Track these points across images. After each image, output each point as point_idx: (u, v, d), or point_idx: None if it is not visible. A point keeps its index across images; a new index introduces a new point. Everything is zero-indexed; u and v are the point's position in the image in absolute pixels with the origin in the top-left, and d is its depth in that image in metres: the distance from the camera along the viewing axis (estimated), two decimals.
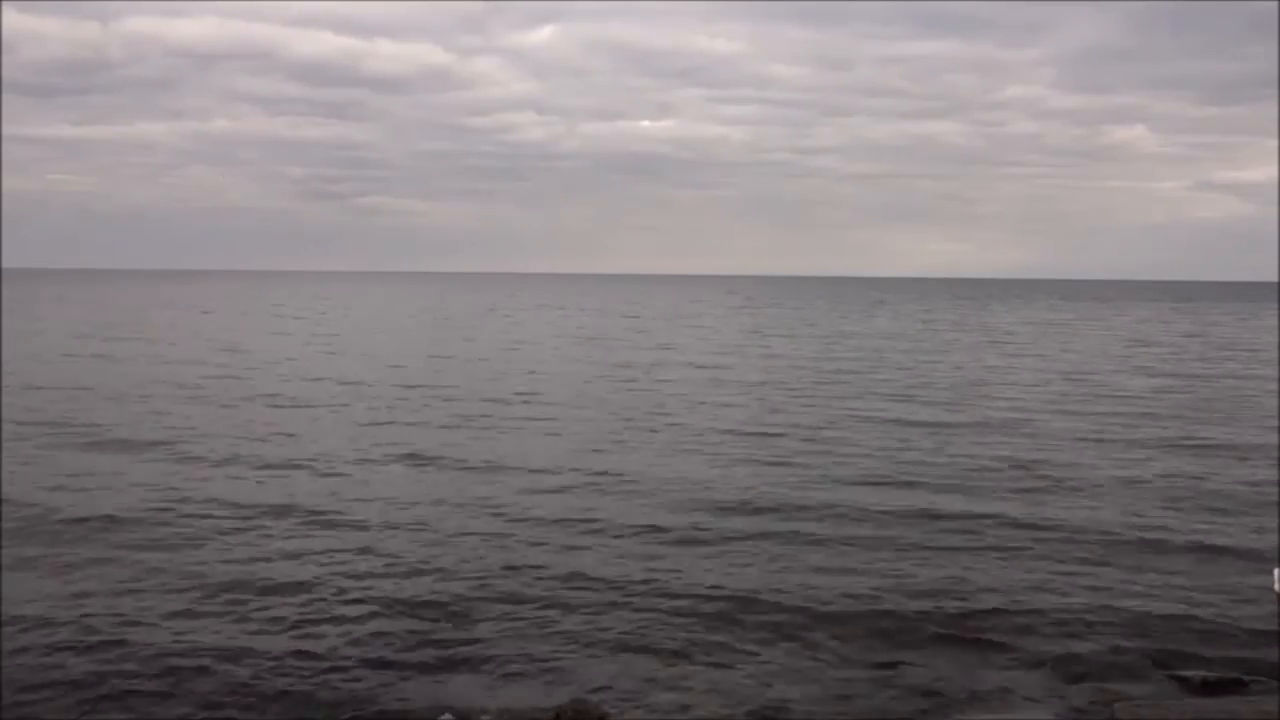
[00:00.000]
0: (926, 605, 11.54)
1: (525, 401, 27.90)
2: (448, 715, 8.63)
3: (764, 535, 14.24)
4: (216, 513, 15.19)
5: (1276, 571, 12.12)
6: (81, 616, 10.91)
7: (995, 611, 11.37)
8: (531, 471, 18.46)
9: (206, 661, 9.86)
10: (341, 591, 11.88)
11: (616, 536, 14.16)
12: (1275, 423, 24.55)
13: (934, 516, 15.30)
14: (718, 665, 9.90)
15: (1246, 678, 9.65)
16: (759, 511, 15.57)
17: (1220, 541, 14.05)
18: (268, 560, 12.99)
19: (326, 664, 9.86)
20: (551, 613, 11.24)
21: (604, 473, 18.31)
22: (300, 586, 12.01)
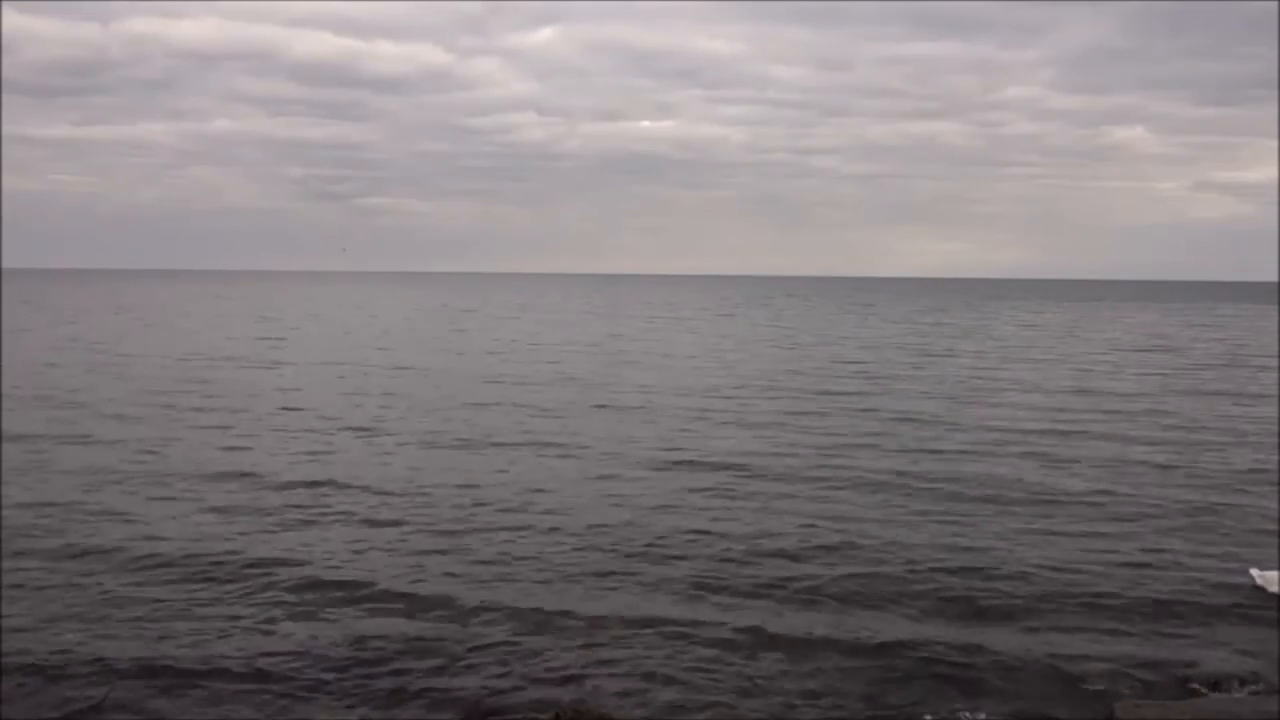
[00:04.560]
0: (925, 606, 11.56)
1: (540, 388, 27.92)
2: None
3: (763, 539, 14.30)
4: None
5: (1255, 571, 12.19)
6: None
7: (994, 613, 11.39)
8: (522, 474, 18.51)
9: (205, 660, 9.88)
10: (340, 593, 11.89)
11: (611, 538, 14.21)
12: (1275, 422, 24.59)
13: (931, 516, 15.37)
14: (720, 666, 9.91)
15: (1246, 678, 9.67)
16: (758, 516, 15.63)
17: (1220, 542, 14.07)
18: (251, 557, 13.02)
19: (326, 665, 9.87)
20: (551, 614, 11.24)
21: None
22: (297, 588, 12.03)
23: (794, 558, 13.27)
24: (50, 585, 11.93)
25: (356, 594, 11.80)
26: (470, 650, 10.23)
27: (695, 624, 10.93)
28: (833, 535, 14.29)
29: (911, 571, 12.70)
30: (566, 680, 9.56)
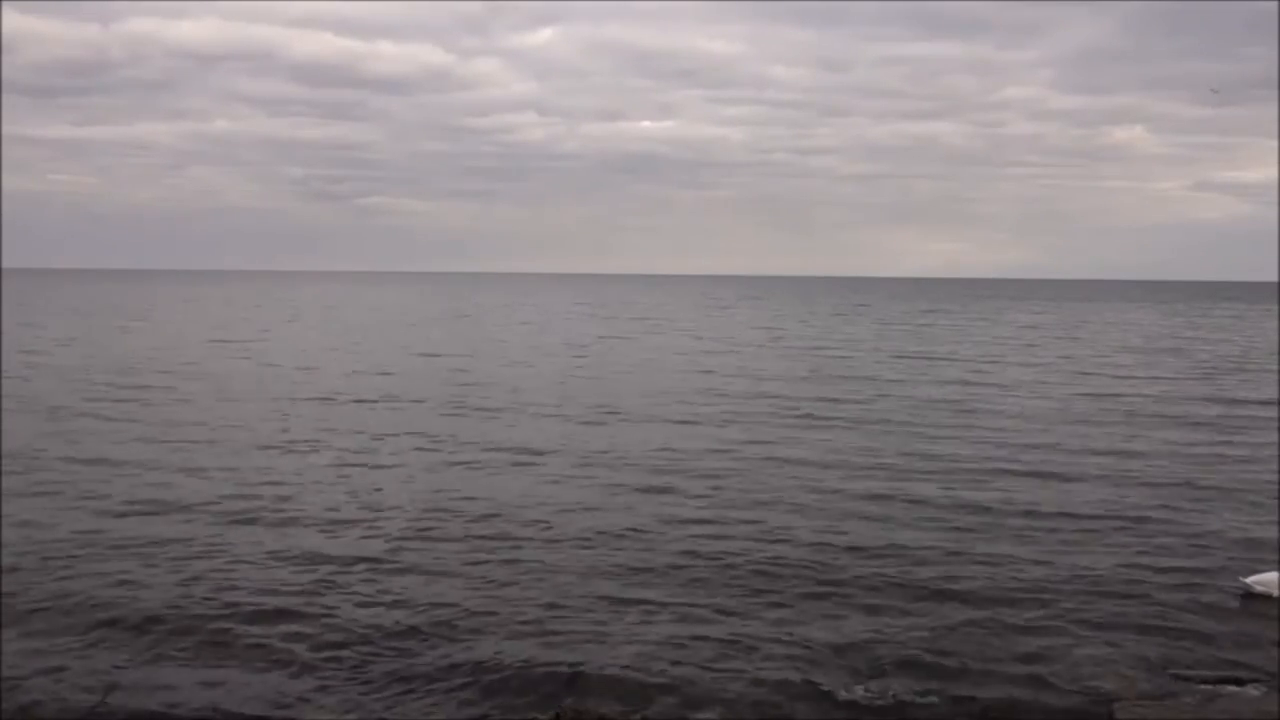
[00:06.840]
0: (927, 607, 11.57)
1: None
2: None
3: (765, 541, 14.32)
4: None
5: (1242, 577, 12.13)
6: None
7: (995, 612, 11.40)
8: (529, 472, 18.48)
9: (210, 659, 9.91)
10: (341, 593, 11.91)
11: (610, 539, 14.22)
12: (1275, 423, 24.58)
13: (936, 517, 15.40)
14: (719, 669, 9.91)
15: (1246, 678, 9.68)
16: (758, 521, 15.63)
17: (1219, 544, 14.08)
18: (255, 562, 13.04)
19: (325, 665, 9.88)
20: (552, 614, 11.25)
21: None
22: (296, 589, 12.04)
23: (794, 565, 13.29)
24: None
25: (356, 595, 11.82)
26: (471, 651, 10.23)
27: (696, 626, 10.95)
28: (833, 541, 14.33)
29: (912, 576, 12.71)
30: (567, 680, 9.57)
